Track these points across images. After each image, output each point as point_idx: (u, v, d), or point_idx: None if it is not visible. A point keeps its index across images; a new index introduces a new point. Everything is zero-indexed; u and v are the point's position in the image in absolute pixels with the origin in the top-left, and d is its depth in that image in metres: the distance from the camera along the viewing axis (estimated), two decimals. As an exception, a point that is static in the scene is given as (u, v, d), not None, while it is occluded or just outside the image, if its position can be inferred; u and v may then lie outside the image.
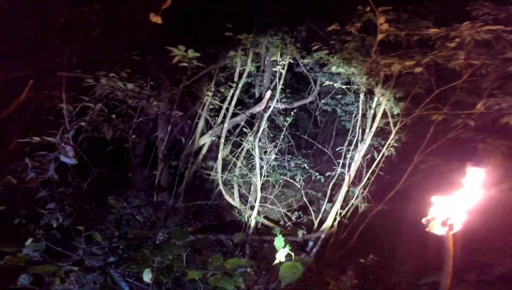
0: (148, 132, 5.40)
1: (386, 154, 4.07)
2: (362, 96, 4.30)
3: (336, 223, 4.62)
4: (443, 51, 3.13)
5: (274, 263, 3.15)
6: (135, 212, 5.04)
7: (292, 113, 5.58)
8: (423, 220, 1.89)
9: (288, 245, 2.92)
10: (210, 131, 5.35)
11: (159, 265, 2.31)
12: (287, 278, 2.83)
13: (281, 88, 5.48)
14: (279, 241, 2.82)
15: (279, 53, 4.18)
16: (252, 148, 4.31)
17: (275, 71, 5.01)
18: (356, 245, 5.00)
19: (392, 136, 3.90)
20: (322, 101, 5.67)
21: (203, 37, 3.92)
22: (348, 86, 4.62)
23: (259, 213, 4.66)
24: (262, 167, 4.34)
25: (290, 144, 5.30)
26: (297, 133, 5.38)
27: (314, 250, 4.68)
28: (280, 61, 4.49)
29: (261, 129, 4.51)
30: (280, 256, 2.70)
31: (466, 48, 3.10)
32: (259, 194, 4.38)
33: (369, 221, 4.79)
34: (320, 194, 5.11)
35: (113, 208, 3.39)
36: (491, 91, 3.49)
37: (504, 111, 3.25)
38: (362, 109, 4.32)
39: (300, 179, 4.81)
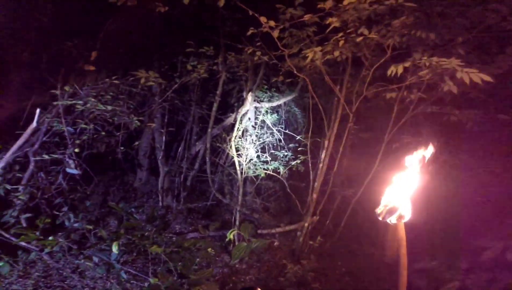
0: (148, 142, 6.12)
1: (350, 138, 4.28)
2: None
3: (318, 211, 4.84)
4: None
5: (226, 241, 3.57)
6: (142, 214, 5.69)
7: (276, 110, 5.95)
8: (376, 211, 1.84)
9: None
10: (202, 138, 5.89)
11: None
12: (236, 255, 3.27)
13: (266, 87, 5.88)
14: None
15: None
16: (229, 148, 4.74)
17: (257, 72, 5.43)
18: (344, 233, 5.14)
19: (350, 119, 4.11)
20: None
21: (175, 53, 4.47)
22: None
23: (243, 206, 5.05)
24: (241, 164, 4.75)
25: (276, 138, 5.64)
26: (281, 129, 5.70)
27: (301, 239, 4.89)
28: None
29: (235, 129, 4.92)
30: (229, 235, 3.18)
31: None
32: (241, 190, 4.77)
33: (353, 207, 4.93)
34: (304, 184, 5.35)
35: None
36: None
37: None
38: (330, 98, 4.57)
39: (284, 171, 5.12)
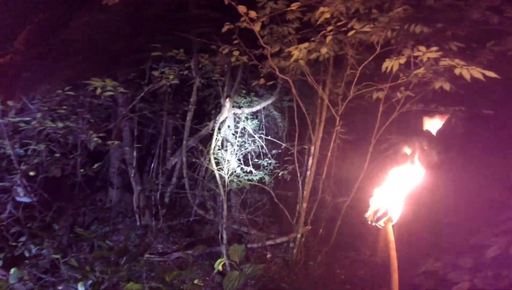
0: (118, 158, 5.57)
1: (337, 142, 4.06)
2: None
3: (309, 220, 4.59)
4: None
5: (214, 273, 3.19)
6: (119, 235, 5.17)
7: (256, 115, 5.64)
8: (365, 215, 1.82)
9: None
10: (178, 151, 5.44)
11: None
12: (228, 287, 2.90)
13: (245, 91, 5.55)
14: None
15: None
16: (207, 161, 4.36)
17: (235, 75, 5.09)
18: (339, 240, 4.93)
19: (337, 122, 3.89)
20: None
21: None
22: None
23: (229, 221, 4.68)
24: (222, 177, 4.38)
25: (258, 146, 5.33)
26: (262, 135, 5.38)
27: (294, 251, 4.62)
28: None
29: (213, 140, 4.54)
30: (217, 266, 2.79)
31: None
32: (225, 205, 4.39)
33: (347, 212, 4.73)
34: (291, 193, 5.08)
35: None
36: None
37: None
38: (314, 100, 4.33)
39: (269, 181, 4.81)
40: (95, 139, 3.70)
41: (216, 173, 4.28)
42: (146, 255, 4.63)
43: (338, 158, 4.78)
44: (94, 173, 4.05)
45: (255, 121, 5.81)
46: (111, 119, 4.37)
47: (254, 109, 5.47)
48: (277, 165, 4.92)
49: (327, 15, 2.66)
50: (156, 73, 3.49)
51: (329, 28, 2.81)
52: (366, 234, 4.90)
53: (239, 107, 5.42)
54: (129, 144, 5.08)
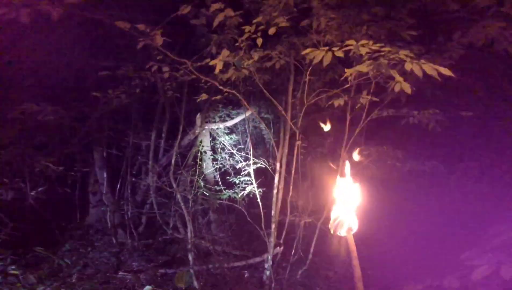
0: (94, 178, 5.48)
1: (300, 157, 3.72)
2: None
3: (281, 240, 4.24)
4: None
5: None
6: (96, 252, 5.06)
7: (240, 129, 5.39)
8: (329, 226, 1.87)
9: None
10: (150, 171, 5.28)
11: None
12: None
13: (221, 105, 5.35)
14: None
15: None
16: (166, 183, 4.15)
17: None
18: (316, 259, 4.56)
19: (297, 136, 3.57)
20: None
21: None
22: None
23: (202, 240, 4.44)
24: (186, 197, 4.14)
25: (237, 161, 5.08)
26: (234, 152, 5.12)
27: (268, 273, 4.28)
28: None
29: (173, 161, 4.33)
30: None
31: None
32: (189, 226, 4.14)
33: (322, 230, 4.37)
34: (265, 211, 4.75)
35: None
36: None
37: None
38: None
39: (240, 198, 4.52)
40: (53, 167, 3.61)
41: (178, 193, 4.06)
42: (121, 273, 4.52)
43: (310, 173, 4.45)
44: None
45: (233, 136, 5.58)
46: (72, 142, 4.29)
47: (228, 124, 5.25)
48: (249, 182, 4.63)
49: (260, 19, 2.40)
50: (96, 94, 3.36)
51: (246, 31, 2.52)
52: (341, 250, 4.52)
53: (213, 122, 5.22)
54: (100, 165, 4.99)
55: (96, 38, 3.27)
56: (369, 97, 3.27)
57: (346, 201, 1.87)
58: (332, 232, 1.86)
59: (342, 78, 2.68)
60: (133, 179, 5.08)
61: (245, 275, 4.64)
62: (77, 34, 3.10)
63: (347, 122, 3.69)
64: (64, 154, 3.94)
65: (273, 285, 4.21)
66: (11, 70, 3.07)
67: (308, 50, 2.30)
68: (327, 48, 2.30)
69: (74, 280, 3.75)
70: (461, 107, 3.34)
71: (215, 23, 2.16)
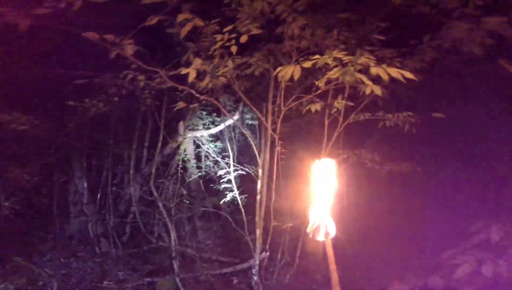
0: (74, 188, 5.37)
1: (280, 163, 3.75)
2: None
3: (267, 246, 4.24)
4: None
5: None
6: (79, 262, 4.95)
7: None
8: (307, 231, 1.85)
9: None
10: (133, 180, 5.22)
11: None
12: None
13: (205, 113, 5.34)
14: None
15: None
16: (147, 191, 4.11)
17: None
18: (303, 264, 4.57)
19: (276, 142, 3.60)
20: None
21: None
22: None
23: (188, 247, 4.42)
24: (168, 206, 4.10)
25: (222, 168, 5.06)
26: (218, 159, 5.11)
27: (256, 278, 4.27)
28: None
29: (153, 170, 4.30)
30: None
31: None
32: (172, 234, 4.10)
33: (306, 236, 4.36)
34: (250, 217, 4.76)
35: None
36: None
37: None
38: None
39: (223, 205, 4.50)
40: (27, 177, 3.53)
41: (159, 201, 4.02)
42: (105, 282, 4.42)
43: (293, 178, 4.47)
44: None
45: (218, 143, 5.57)
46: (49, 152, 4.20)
47: (212, 131, 5.25)
48: (232, 189, 4.61)
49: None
50: (70, 102, 3.33)
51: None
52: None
53: (196, 130, 5.21)
54: (80, 175, 4.90)
55: (72, 47, 3.24)
56: (344, 101, 3.34)
57: (323, 206, 1.85)
58: (310, 237, 1.83)
59: (316, 85, 2.73)
60: (115, 189, 5.01)
61: (234, 281, 4.63)
62: (52, 43, 3.07)
63: (325, 127, 3.75)
64: (41, 164, 3.86)
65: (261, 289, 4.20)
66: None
67: (278, 69, 2.37)
68: (295, 63, 2.35)
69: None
70: (435, 108, 3.43)
71: (183, 32, 2.18)
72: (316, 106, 3.29)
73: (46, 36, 2.96)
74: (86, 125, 4.35)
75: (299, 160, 4.35)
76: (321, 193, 1.88)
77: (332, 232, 1.84)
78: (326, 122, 3.66)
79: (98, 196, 5.04)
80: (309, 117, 4.04)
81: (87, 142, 4.68)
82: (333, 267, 1.79)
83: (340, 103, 3.23)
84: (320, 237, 1.81)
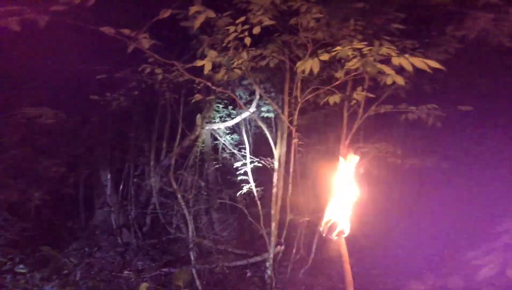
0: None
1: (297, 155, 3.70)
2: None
3: (282, 240, 4.23)
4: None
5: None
6: (102, 252, 5.21)
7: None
8: (321, 228, 1.82)
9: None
10: (153, 171, 5.37)
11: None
12: None
13: (222, 106, 5.38)
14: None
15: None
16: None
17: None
18: (319, 259, 4.51)
19: (293, 134, 3.55)
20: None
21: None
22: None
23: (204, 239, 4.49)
24: (185, 196, 4.19)
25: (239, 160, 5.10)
26: (234, 152, 5.13)
27: (269, 272, 4.29)
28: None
29: (172, 161, 4.39)
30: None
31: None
32: (190, 226, 4.19)
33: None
34: (266, 210, 4.75)
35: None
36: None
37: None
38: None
39: (239, 197, 4.53)
40: (56, 169, 3.73)
41: (178, 194, 4.11)
42: (126, 272, 4.62)
43: (311, 172, 4.42)
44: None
45: (235, 136, 5.60)
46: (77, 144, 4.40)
47: (229, 124, 5.27)
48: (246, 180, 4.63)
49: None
50: (95, 97, 3.45)
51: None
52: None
53: (213, 122, 5.25)
54: (104, 167, 5.11)
55: (92, 42, 3.35)
56: (364, 93, 3.23)
57: (340, 203, 1.81)
58: (324, 234, 1.81)
59: (335, 76, 2.66)
60: (136, 180, 5.18)
61: (247, 274, 4.67)
62: (72, 39, 3.19)
63: (344, 120, 3.65)
64: (67, 157, 4.05)
65: (274, 284, 4.22)
66: (11, 76, 3.18)
67: (298, 64, 2.32)
68: (313, 56, 2.29)
69: (78, 278, 3.86)
70: (461, 101, 3.24)
71: (196, 25, 2.18)
72: (335, 98, 3.19)
73: (67, 33, 3.07)
74: (109, 118, 4.51)
75: (317, 153, 4.28)
76: (340, 191, 1.84)
77: (346, 231, 1.80)
78: (346, 114, 3.56)
79: (121, 187, 5.22)
80: (327, 109, 3.95)
81: (110, 135, 4.85)
82: (347, 266, 1.77)
83: (359, 95, 3.13)
84: (334, 235, 1.78)
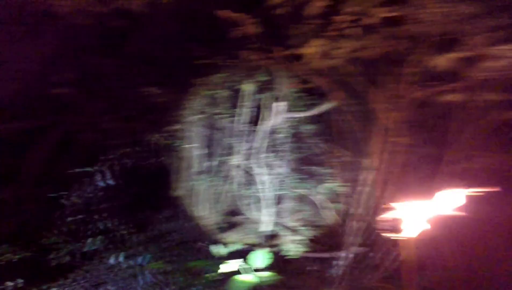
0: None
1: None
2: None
3: (359, 241, 3.97)
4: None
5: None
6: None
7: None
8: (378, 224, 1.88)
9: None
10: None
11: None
12: None
13: (303, 93, 5.23)
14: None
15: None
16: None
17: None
18: (395, 267, 4.10)
19: (389, 131, 3.19)
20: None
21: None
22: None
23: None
24: (265, 182, 4.21)
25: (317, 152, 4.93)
26: (315, 142, 4.91)
27: (340, 271, 4.11)
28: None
29: (253, 145, 4.41)
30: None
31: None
32: (270, 210, 4.23)
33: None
34: (347, 207, 4.49)
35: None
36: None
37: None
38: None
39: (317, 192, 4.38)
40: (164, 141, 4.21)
41: (258, 177, 4.18)
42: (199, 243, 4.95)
43: (405, 174, 3.99)
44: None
45: (317, 125, 5.38)
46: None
47: (309, 113, 5.08)
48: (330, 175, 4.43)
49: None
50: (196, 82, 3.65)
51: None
52: (429, 259, 3.93)
53: (292, 111, 5.14)
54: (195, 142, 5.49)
55: (191, 27, 3.56)
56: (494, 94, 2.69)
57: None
58: (380, 231, 1.77)
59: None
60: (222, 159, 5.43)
61: (307, 268, 4.57)
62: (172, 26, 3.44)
63: (455, 124, 3.13)
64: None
65: (343, 284, 4.06)
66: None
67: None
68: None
69: (164, 246, 4.31)
70: None
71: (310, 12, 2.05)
72: (454, 96, 2.75)
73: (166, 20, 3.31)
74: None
75: (415, 155, 3.83)
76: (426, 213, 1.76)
77: (411, 233, 1.76)
78: (463, 116, 3.05)
79: (208, 163, 5.54)
80: (435, 109, 3.44)
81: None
82: (405, 267, 1.82)
83: (485, 96, 2.63)
84: (393, 235, 1.76)
